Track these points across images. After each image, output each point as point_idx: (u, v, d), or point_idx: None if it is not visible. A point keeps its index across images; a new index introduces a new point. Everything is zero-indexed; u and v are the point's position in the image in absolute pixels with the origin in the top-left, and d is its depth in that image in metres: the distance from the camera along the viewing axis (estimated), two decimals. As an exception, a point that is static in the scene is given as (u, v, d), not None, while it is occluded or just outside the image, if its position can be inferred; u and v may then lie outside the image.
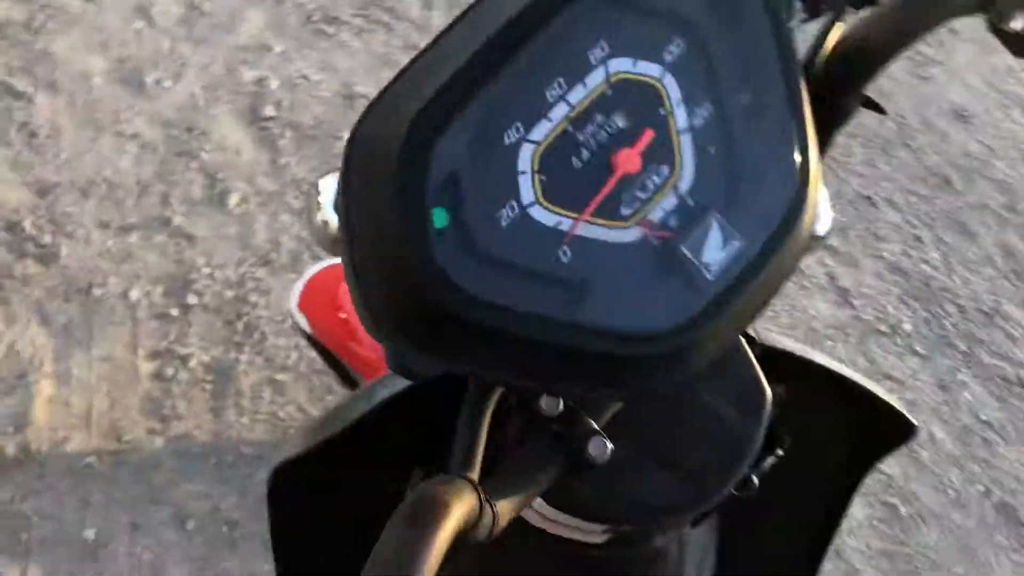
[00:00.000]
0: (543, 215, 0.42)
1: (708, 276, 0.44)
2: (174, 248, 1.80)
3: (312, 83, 2.21)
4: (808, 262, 2.20)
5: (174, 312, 1.71)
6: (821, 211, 0.75)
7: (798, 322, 2.10)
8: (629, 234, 0.43)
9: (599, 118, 0.43)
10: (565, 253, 0.42)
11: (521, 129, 0.41)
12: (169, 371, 1.64)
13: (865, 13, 0.58)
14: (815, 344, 2.02)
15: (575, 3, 0.42)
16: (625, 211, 0.43)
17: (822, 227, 0.75)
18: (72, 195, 1.82)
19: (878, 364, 2.03)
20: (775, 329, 1.91)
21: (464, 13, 0.43)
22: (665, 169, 0.44)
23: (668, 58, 0.44)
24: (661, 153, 0.44)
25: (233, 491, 1.51)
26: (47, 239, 1.75)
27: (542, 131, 0.42)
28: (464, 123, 0.40)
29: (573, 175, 0.42)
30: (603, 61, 0.43)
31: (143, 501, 1.49)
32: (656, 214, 0.44)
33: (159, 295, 1.73)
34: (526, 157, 0.41)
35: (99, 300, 1.70)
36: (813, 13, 0.58)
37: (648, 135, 0.43)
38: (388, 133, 0.40)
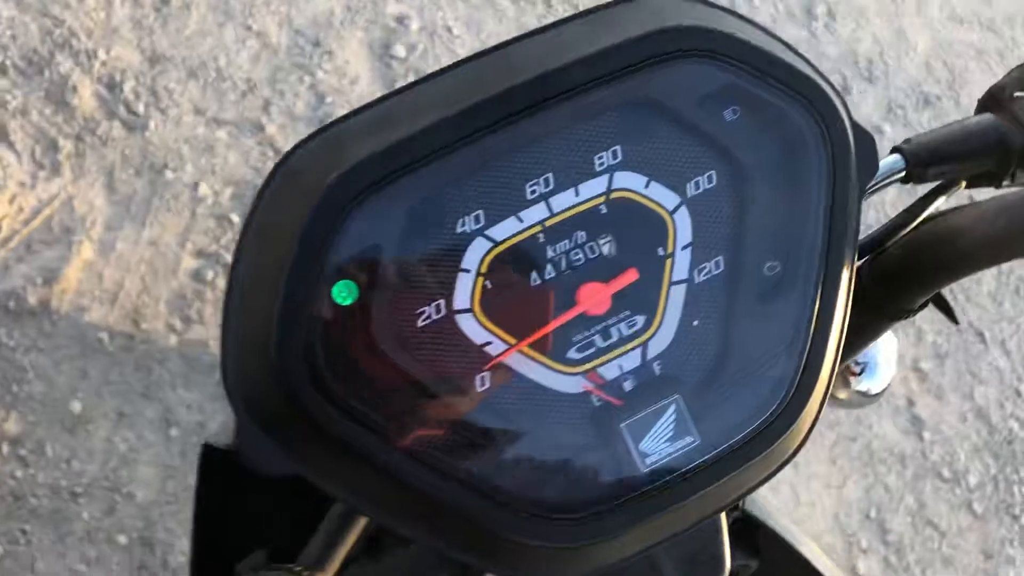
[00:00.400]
0: (473, 328, 0.34)
1: (640, 468, 0.35)
2: (258, 155, 1.77)
3: (452, 36, 2.15)
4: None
5: (234, 218, 1.69)
6: (881, 366, 0.64)
7: (857, 435, 1.96)
8: (569, 383, 0.35)
9: (581, 236, 0.35)
10: (483, 381, 0.33)
11: (481, 220, 0.34)
12: (209, 274, 1.61)
13: (992, 195, 0.45)
14: (862, 468, 1.87)
15: (598, 90, 0.33)
16: (574, 355, 0.35)
17: (878, 385, 0.65)
18: (180, 73, 1.81)
19: (926, 508, 1.88)
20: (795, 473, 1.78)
21: (459, 63, 0.34)
22: (639, 321, 0.35)
23: (692, 191, 0.36)
24: (640, 300, 0.35)
25: (224, 414, 1.48)
26: (140, 108, 1.74)
27: (506, 230, 0.34)
28: (409, 189, 0.32)
29: (525, 292, 0.34)
30: (610, 170, 0.35)
31: (137, 393, 1.47)
32: (610, 371, 0.35)
33: (226, 197, 1.71)
34: (476, 254, 0.34)
35: (168, 183, 1.69)
36: (915, 179, 0.46)
37: (630, 276, 0.35)
38: (317, 169, 0.32)
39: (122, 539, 1.40)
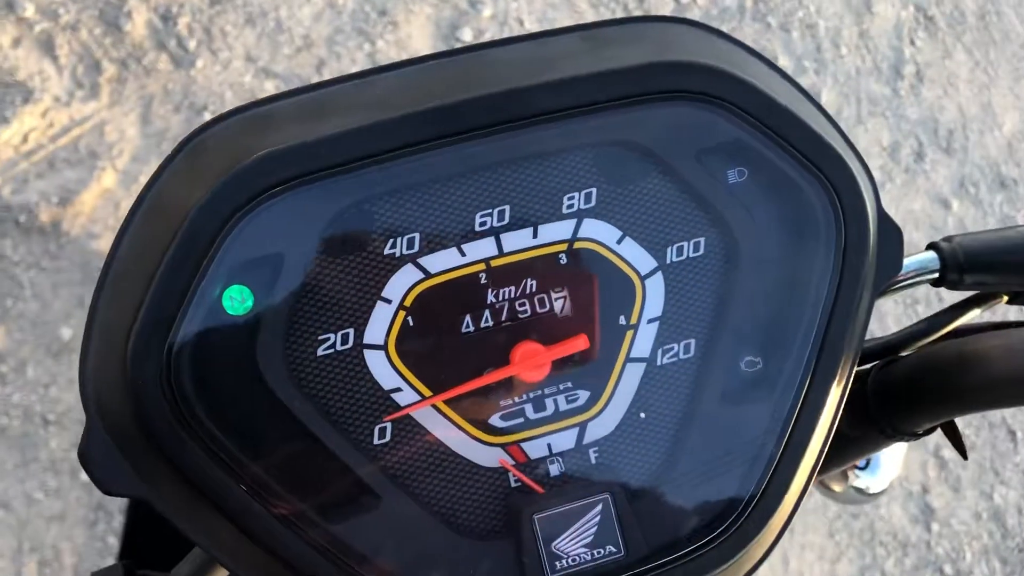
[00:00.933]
0: (383, 368, 0.28)
1: (546, 574, 0.29)
2: (300, 113, 1.74)
3: (523, 29, 2.10)
4: (908, 456, 1.96)
5: (264, 172, 1.65)
6: (885, 464, 0.57)
7: (861, 513, 1.88)
8: (484, 454, 0.29)
9: (531, 285, 0.29)
10: (382, 433, 0.28)
11: (416, 245, 0.28)
12: (227, 224, 1.58)
13: None
14: (861, 547, 1.79)
15: (575, 121, 0.27)
16: (497, 422, 0.29)
17: (878, 484, 0.58)
18: (238, 16, 1.77)
19: (920, 604, 1.79)
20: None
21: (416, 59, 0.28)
22: (582, 397, 0.30)
23: (672, 256, 0.30)
24: (588, 373, 0.30)
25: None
26: (192, 44, 1.71)
27: (444, 262, 0.28)
28: (332, 194, 0.26)
29: (453, 339, 0.29)
30: (579, 215, 0.29)
31: (129, 331, 1.43)
32: (536, 449, 0.30)
33: (260, 149, 1.67)
34: (402, 284, 0.28)
35: (204, 125, 1.66)
36: (949, 284, 0.39)
37: (579, 343, 0.29)
38: (227, 151, 0.27)
39: (85, 476, 1.36)
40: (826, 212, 0.30)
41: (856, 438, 0.41)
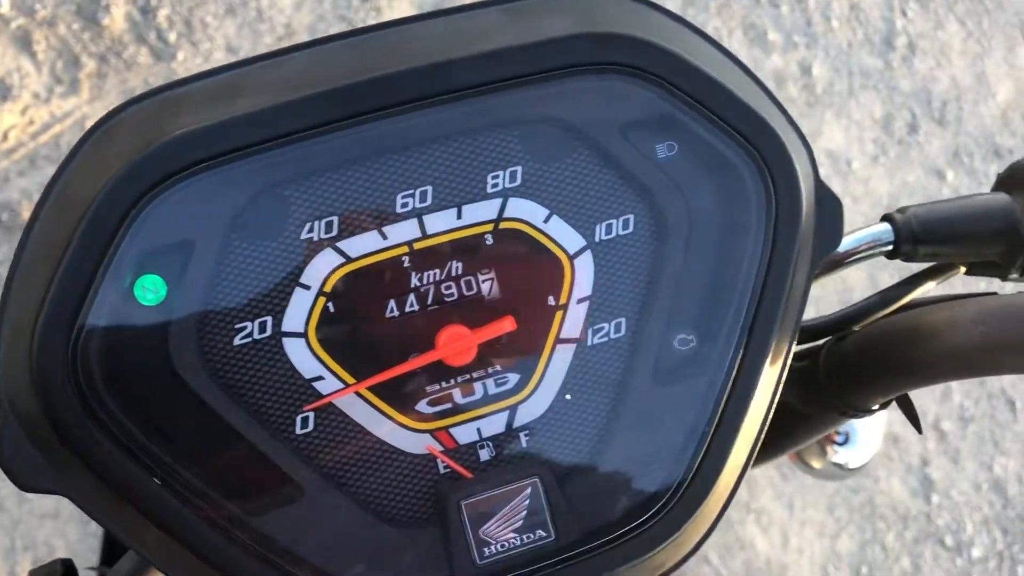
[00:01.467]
0: (303, 357, 0.27)
1: (473, 559, 0.28)
2: (284, 103, 1.73)
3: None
4: (907, 431, 1.95)
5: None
6: (864, 439, 0.57)
7: (861, 488, 1.87)
8: (411, 440, 0.28)
9: (456, 267, 0.28)
10: (304, 423, 0.27)
11: (334, 228, 0.27)
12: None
13: (1011, 289, 0.36)
14: (861, 522, 1.78)
15: (498, 96, 0.26)
16: (425, 408, 0.29)
17: (857, 459, 0.57)
18: (219, 7, 1.76)
19: (920, 574, 1.78)
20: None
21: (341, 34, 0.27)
22: (511, 380, 0.29)
23: (601, 235, 0.29)
24: (517, 356, 0.29)
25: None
26: (172, 37, 1.70)
27: (364, 246, 0.28)
28: (244, 177, 0.25)
29: (376, 324, 0.28)
30: (504, 194, 0.28)
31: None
32: (465, 434, 0.29)
33: (244, 141, 1.66)
34: (321, 269, 0.27)
35: (187, 117, 1.65)
36: (904, 256, 0.38)
37: (505, 324, 0.28)
38: (137, 135, 0.26)
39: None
40: (756, 185, 0.29)
41: (810, 415, 0.41)
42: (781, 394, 0.35)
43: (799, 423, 0.41)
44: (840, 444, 0.55)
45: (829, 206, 0.31)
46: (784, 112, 0.30)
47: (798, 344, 0.38)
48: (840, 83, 2.37)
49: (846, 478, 0.56)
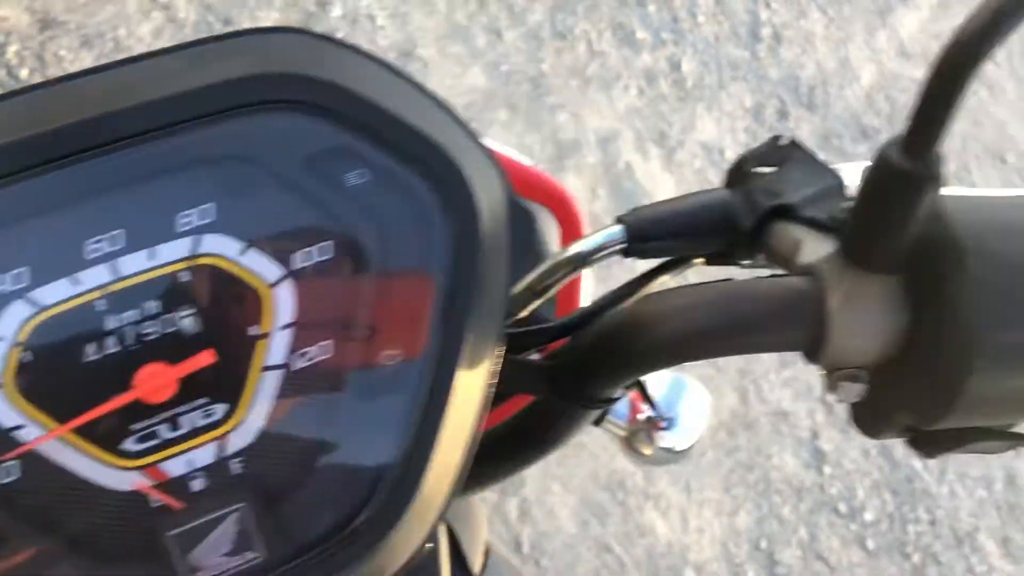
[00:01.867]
0: (0, 408, 0.28)
1: None
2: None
3: (375, 27, 2.08)
4: (796, 407, 2.02)
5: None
6: (687, 420, 0.59)
7: (755, 465, 1.93)
8: (117, 478, 0.29)
9: (153, 307, 0.29)
10: (7, 472, 0.28)
11: (25, 279, 0.28)
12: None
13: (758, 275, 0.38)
14: (757, 497, 1.84)
15: (173, 139, 0.27)
16: (131, 446, 0.29)
17: (684, 441, 0.59)
18: (73, 40, 1.72)
19: (817, 542, 1.85)
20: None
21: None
22: (218, 411, 0.30)
23: (300, 262, 0.30)
24: (222, 387, 0.30)
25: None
26: (23, 73, 1.65)
27: (57, 293, 0.28)
28: None
29: (74, 369, 0.28)
30: (197, 232, 0.29)
31: None
32: (176, 467, 0.30)
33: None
34: (13, 320, 0.28)
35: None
36: (636, 253, 0.40)
37: (204, 358, 0.29)
38: None
39: None
40: (436, 205, 0.31)
41: (559, 414, 0.42)
42: (536, 395, 0.37)
43: (551, 422, 0.43)
44: (665, 429, 0.57)
45: (519, 218, 0.32)
46: (469, 132, 0.32)
47: (545, 345, 0.40)
48: (709, 76, 2.44)
49: (677, 461, 0.59)
